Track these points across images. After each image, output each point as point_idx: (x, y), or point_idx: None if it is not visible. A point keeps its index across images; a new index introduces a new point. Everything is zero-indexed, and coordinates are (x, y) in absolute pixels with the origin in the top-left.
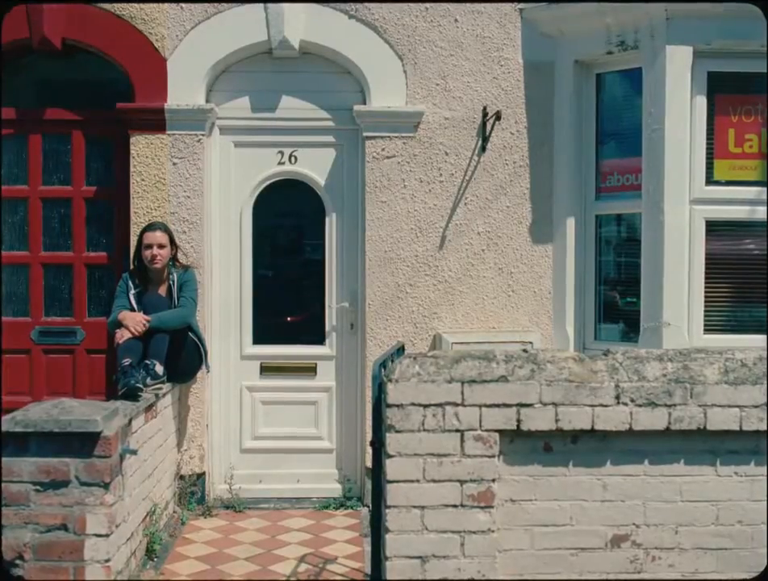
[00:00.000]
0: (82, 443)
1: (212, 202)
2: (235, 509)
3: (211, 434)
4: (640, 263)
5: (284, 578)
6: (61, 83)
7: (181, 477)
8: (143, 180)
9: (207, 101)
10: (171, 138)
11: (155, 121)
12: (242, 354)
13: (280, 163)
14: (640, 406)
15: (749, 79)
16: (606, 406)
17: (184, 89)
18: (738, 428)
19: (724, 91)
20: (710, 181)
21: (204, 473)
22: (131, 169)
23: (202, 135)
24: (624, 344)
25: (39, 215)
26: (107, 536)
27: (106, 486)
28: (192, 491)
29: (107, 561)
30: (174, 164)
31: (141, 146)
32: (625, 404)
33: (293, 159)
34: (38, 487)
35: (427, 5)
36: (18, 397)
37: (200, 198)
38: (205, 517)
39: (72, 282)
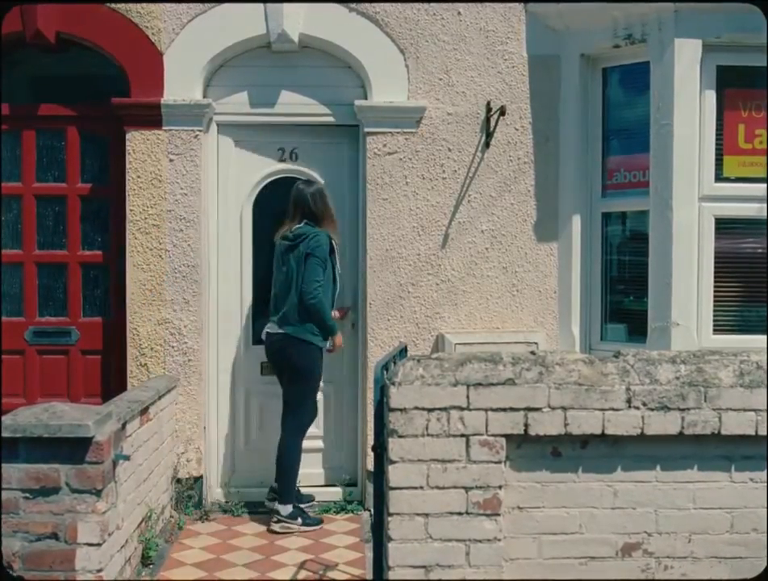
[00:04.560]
0: (73, 449)
1: (210, 200)
2: (233, 513)
3: (209, 436)
4: (648, 262)
5: None
6: (55, 78)
7: (178, 480)
8: (139, 177)
9: (205, 96)
10: (168, 134)
11: (151, 116)
12: (241, 354)
13: (281, 160)
14: (652, 410)
15: (759, 73)
16: (617, 410)
17: (181, 83)
18: (754, 433)
19: (734, 85)
20: (719, 177)
21: (201, 476)
22: (127, 165)
23: (200, 130)
24: (631, 344)
25: (33, 213)
26: (99, 545)
27: (98, 493)
28: (189, 495)
29: (99, 570)
30: (171, 160)
31: (137, 142)
32: (637, 408)
33: (293, 156)
34: (27, 495)
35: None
36: (11, 399)
37: (197, 196)
38: (202, 522)
39: (66, 281)
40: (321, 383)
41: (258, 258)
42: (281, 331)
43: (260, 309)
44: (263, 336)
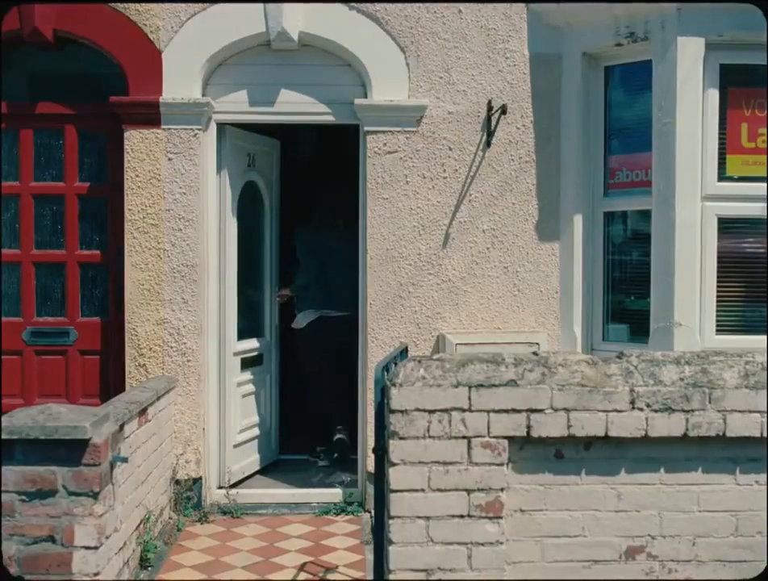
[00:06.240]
0: (70, 451)
1: (209, 199)
2: (232, 515)
3: (208, 437)
4: (650, 262)
5: None
6: (53, 76)
7: (177, 482)
8: (137, 176)
9: (204, 94)
10: (166, 132)
11: (149, 115)
12: (232, 352)
13: (248, 165)
14: (656, 411)
15: (762, 71)
16: (620, 411)
17: (180, 82)
18: (759, 435)
19: (737, 84)
20: (722, 177)
21: (200, 478)
22: (125, 164)
23: (199, 129)
24: (633, 345)
25: (31, 213)
26: (96, 548)
27: (95, 495)
28: (188, 497)
29: (97, 574)
30: (170, 159)
31: (135, 141)
32: (641, 410)
33: (254, 163)
34: (23, 497)
35: None
36: (9, 400)
37: (196, 195)
38: (201, 523)
39: (64, 281)
40: None
41: (243, 256)
42: (344, 313)
43: (246, 305)
44: (305, 323)
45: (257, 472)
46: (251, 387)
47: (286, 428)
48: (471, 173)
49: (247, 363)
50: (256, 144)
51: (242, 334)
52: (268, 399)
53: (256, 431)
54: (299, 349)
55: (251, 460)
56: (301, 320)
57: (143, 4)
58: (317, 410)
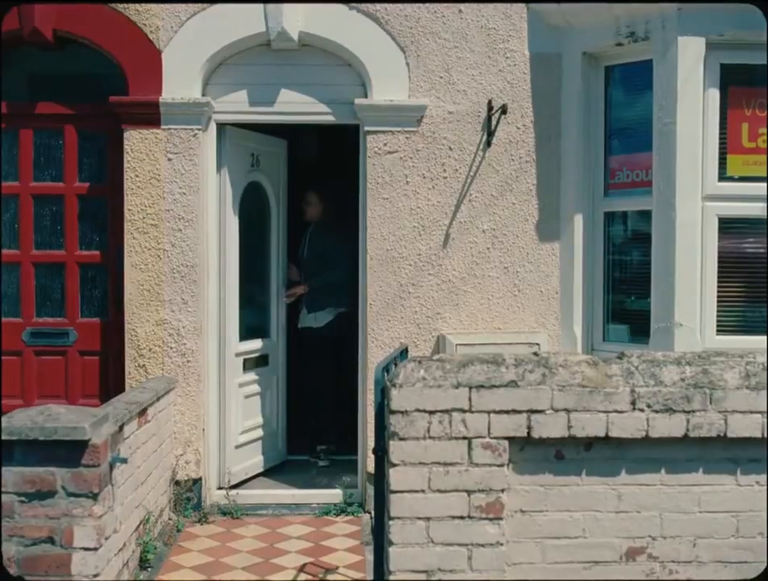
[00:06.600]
0: (69, 451)
1: (209, 199)
2: (232, 516)
3: (208, 438)
4: (651, 262)
5: None
6: (53, 76)
7: (177, 482)
8: (137, 176)
9: (204, 94)
10: (166, 132)
11: (149, 115)
12: (233, 353)
13: (252, 165)
14: (657, 412)
15: (762, 71)
16: (621, 412)
17: (179, 82)
18: (760, 435)
19: (738, 84)
20: (722, 177)
21: (200, 478)
22: (125, 164)
23: (198, 129)
24: (633, 345)
25: (30, 213)
26: (96, 549)
27: (94, 496)
28: (188, 497)
29: (96, 575)
30: (169, 159)
31: (135, 141)
32: (641, 410)
33: (257, 162)
34: (23, 498)
35: None
36: (9, 400)
37: (196, 195)
38: (201, 524)
39: (64, 281)
40: None
41: (249, 256)
42: (346, 309)
43: (251, 305)
44: (324, 322)
45: (261, 473)
46: (255, 388)
47: (288, 429)
48: (471, 173)
49: (251, 364)
50: (262, 144)
51: (247, 334)
52: (274, 400)
53: (260, 432)
54: (312, 349)
55: (254, 461)
56: (321, 319)
57: (143, 4)
58: (321, 409)
